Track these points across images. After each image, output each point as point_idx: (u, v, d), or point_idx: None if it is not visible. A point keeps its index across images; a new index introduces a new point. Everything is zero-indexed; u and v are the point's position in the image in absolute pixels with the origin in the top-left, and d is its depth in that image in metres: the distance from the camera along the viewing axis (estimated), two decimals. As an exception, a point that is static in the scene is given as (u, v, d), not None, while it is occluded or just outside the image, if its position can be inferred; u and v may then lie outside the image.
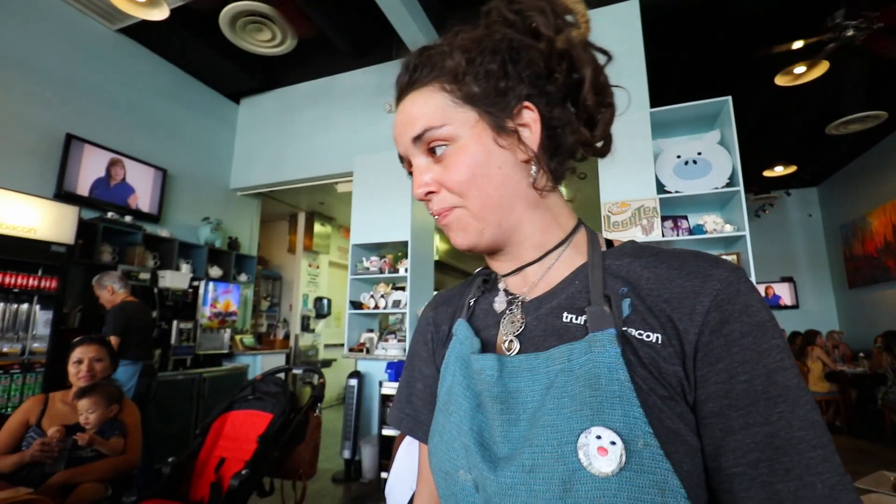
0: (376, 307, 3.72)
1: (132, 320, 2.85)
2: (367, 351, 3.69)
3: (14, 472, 1.57)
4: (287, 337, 5.81)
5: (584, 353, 0.37)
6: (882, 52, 3.13)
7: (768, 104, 4.49)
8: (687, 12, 3.42)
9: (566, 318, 0.42)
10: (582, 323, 0.41)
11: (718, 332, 0.36)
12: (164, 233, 3.97)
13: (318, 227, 6.49)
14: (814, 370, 4.69)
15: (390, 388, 3.28)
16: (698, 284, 0.38)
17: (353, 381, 3.53)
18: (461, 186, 0.43)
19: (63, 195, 3.28)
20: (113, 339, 2.65)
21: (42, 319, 2.80)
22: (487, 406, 0.41)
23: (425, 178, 0.45)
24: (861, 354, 5.00)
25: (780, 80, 3.44)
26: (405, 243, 3.70)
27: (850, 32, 2.91)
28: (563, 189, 0.54)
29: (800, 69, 3.30)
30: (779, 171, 5.87)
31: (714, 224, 2.89)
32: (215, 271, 4.42)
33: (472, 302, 0.52)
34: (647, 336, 0.37)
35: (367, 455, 3.33)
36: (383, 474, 3.22)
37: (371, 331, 3.96)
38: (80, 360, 1.83)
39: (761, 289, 5.83)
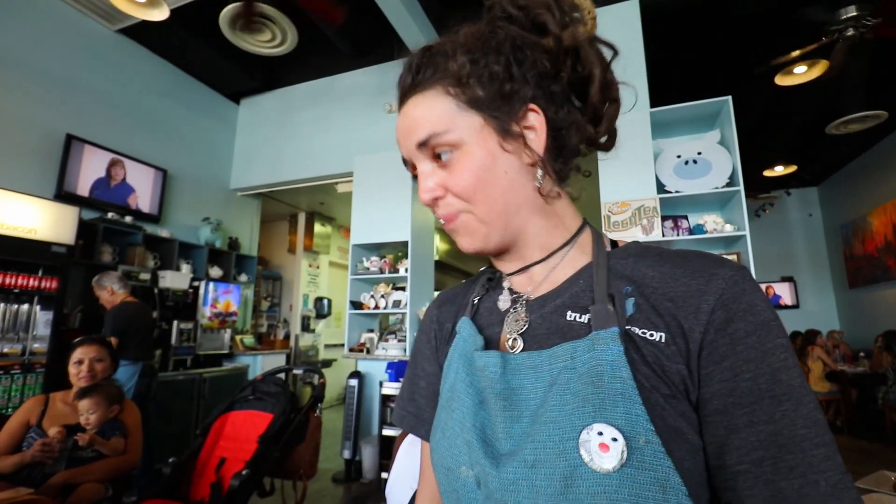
0: (376, 307, 3.72)
1: (132, 321, 2.85)
2: (368, 351, 3.68)
3: (15, 472, 1.57)
4: (287, 337, 5.81)
5: (587, 351, 0.37)
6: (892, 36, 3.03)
7: (768, 104, 4.48)
8: (687, 12, 3.42)
9: (570, 316, 0.42)
10: (586, 321, 0.41)
11: (723, 331, 0.36)
12: (164, 233, 3.97)
13: (318, 228, 6.49)
14: (814, 370, 4.69)
15: (390, 389, 3.28)
16: (703, 283, 0.38)
17: (354, 382, 3.53)
18: (467, 192, 0.43)
19: (63, 195, 3.28)
20: (112, 340, 2.65)
21: (42, 320, 2.80)
22: (490, 403, 0.41)
23: (431, 184, 0.45)
24: (861, 354, 5.00)
25: (781, 80, 3.45)
26: (405, 243, 3.70)
27: (851, 32, 2.91)
28: (569, 188, 0.57)
29: (800, 69, 3.30)
30: (779, 170, 5.87)
31: (714, 224, 2.89)
32: (215, 271, 4.42)
33: (476, 300, 0.52)
34: (651, 334, 0.37)
35: (368, 455, 3.33)
36: (384, 474, 3.22)
37: (371, 331, 3.96)
38: (81, 361, 1.83)
39: (761, 288, 5.79)
